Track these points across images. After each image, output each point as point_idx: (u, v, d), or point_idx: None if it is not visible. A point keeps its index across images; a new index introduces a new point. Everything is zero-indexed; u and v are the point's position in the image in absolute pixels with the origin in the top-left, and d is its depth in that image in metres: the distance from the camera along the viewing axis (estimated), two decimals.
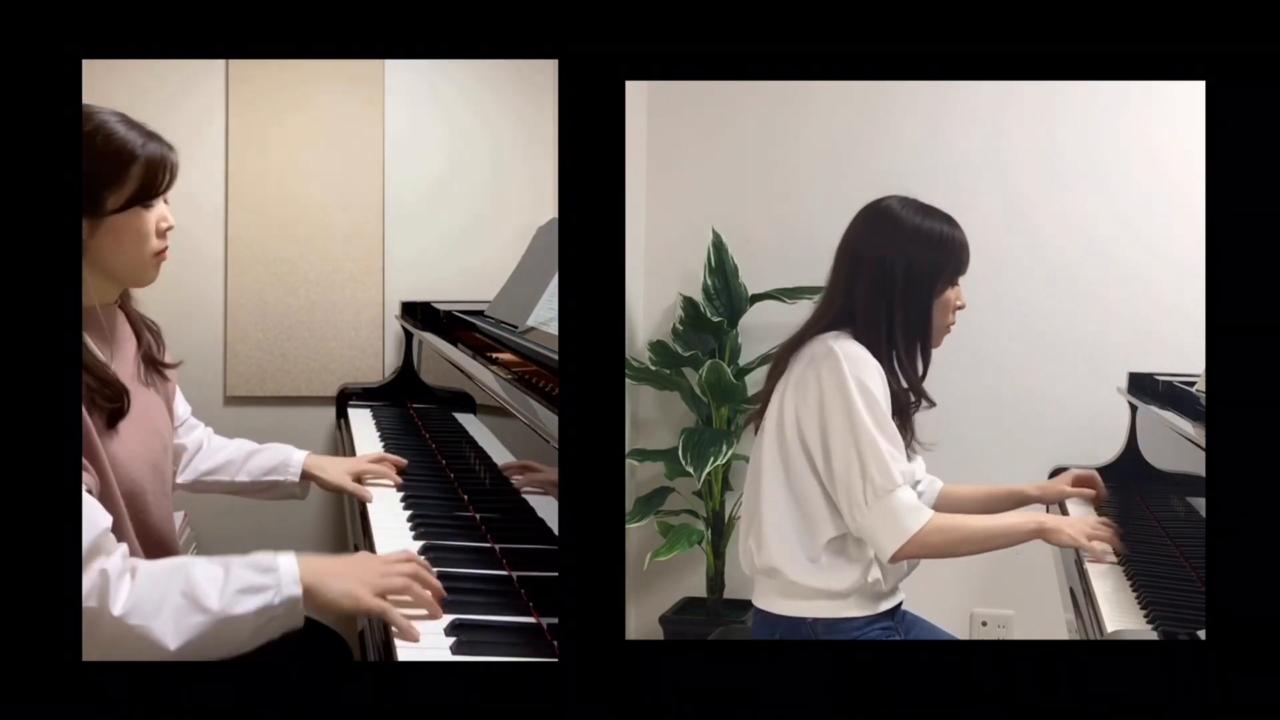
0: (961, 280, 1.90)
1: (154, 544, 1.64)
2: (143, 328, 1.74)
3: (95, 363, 1.56)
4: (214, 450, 2.07)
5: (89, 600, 1.35)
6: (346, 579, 1.49)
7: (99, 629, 1.36)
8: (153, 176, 1.58)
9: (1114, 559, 1.93)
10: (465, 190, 3.45)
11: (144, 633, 1.37)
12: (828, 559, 1.81)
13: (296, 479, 2.08)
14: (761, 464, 1.87)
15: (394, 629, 1.47)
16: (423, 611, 1.52)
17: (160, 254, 1.62)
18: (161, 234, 1.62)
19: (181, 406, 1.97)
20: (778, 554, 1.83)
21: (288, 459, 2.09)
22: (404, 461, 2.27)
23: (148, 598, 1.38)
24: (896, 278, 1.83)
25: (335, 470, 2.13)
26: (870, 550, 1.81)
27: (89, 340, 1.57)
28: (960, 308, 1.90)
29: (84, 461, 1.47)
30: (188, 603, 1.39)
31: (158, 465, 1.67)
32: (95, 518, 1.41)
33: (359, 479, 2.16)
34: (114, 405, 1.56)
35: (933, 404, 1.90)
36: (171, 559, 1.50)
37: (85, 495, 1.42)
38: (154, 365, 1.75)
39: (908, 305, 1.84)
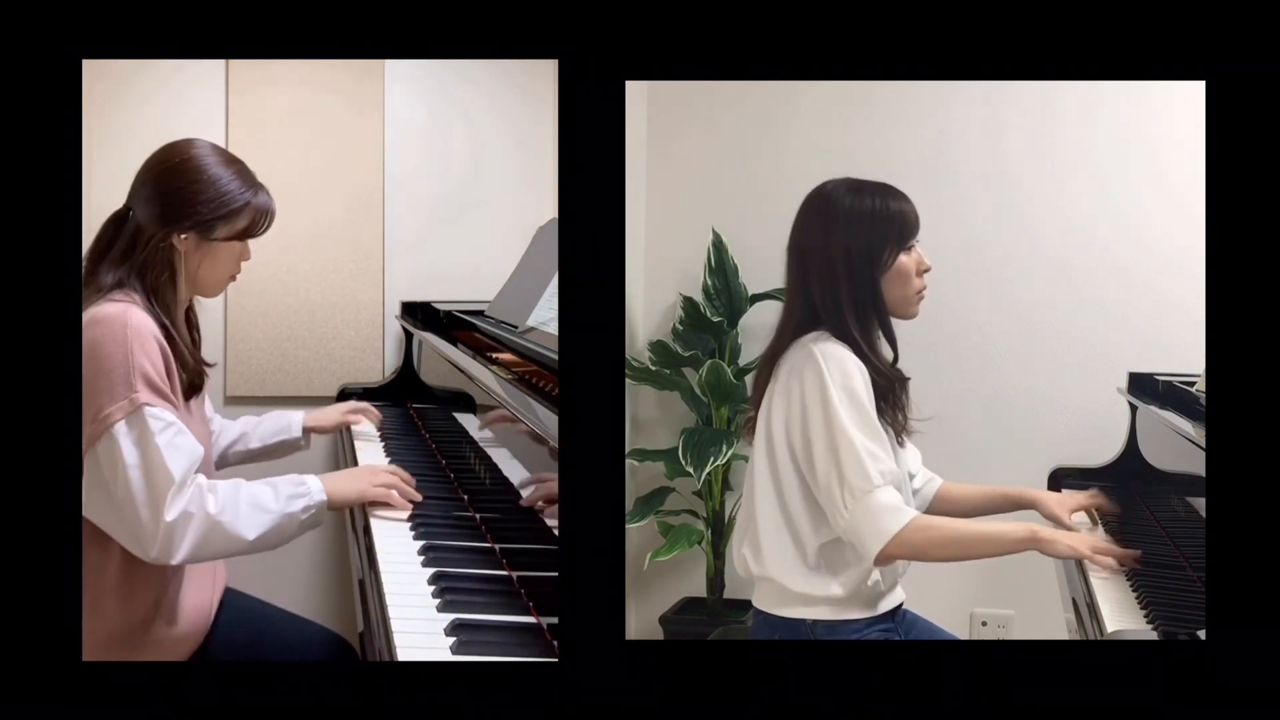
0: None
1: None
2: (196, 330, 2.01)
3: (186, 343, 1.87)
4: (228, 429, 2.36)
5: (189, 507, 1.71)
6: (353, 480, 1.99)
7: (195, 529, 1.71)
8: (259, 220, 1.93)
9: (1120, 569, 1.87)
10: (465, 190, 3.45)
11: (231, 527, 1.74)
12: (824, 565, 1.80)
13: (299, 435, 2.43)
14: (754, 473, 1.85)
15: (390, 506, 1.99)
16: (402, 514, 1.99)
17: (233, 277, 1.97)
18: (239, 262, 1.96)
19: (207, 402, 2.17)
20: (773, 564, 1.81)
21: (289, 421, 2.43)
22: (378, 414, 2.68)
23: (228, 502, 1.76)
24: (837, 264, 1.81)
25: (328, 416, 2.54)
26: None
27: (176, 330, 1.85)
28: (925, 270, 1.86)
29: (174, 404, 1.77)
30: (253, 507, 1.78)
31: (207, 446, 1.92)
32: (194, 445, 1.76)
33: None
34: (196, 381, 1.88)
35: (906, 379, 1.86)
36: (225, 480, 1.82)
37: (180, 426, 1.74)
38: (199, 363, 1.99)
39: (854, 289, 1.81)
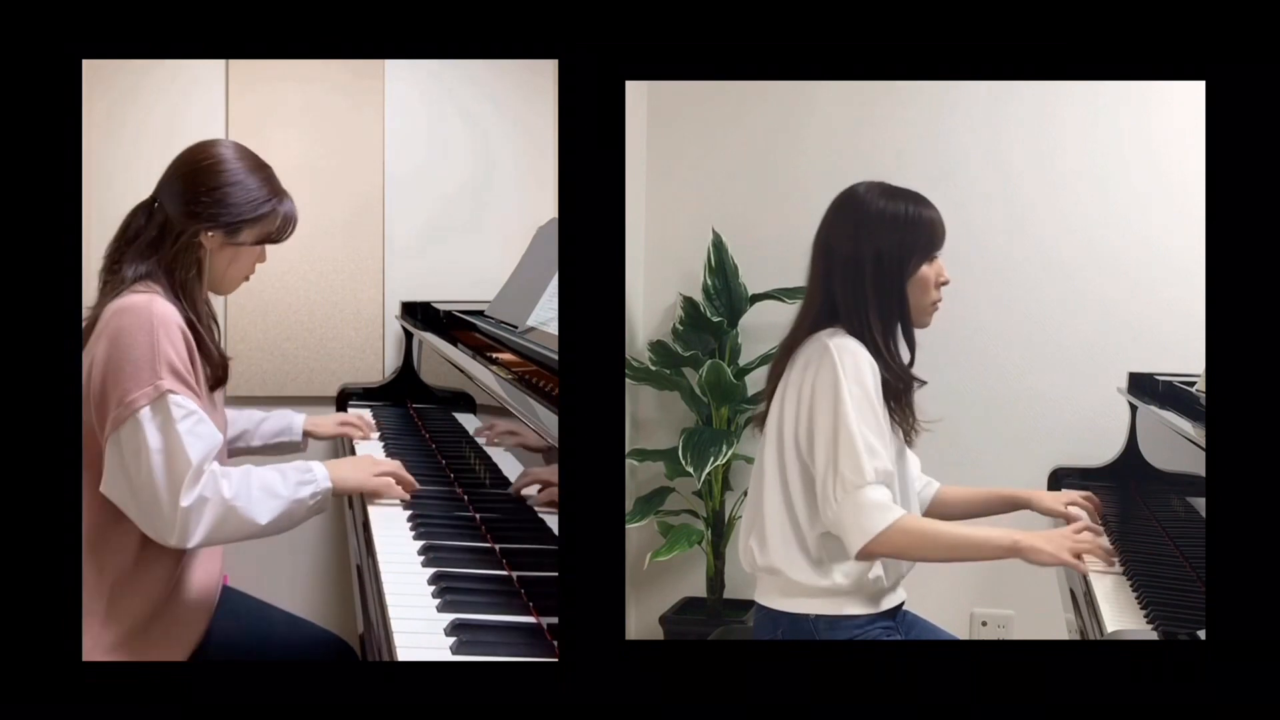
0: (943, 256, 1.87)
1: None
2: (216, 323, 2.04)
3: (211, 337, 1.93)
4: (231, 422, 2.35)
5: (204, 492, 1.76)
6: (354, 469, 2.03)
7: (211, 513, 1.76)
8: (283, 227, 2.00)
9: (1107, 565, 1.90)
10: (465, 190, 3.44)
11: (245, 512, 1.79)
12: (828, 557, 1.80)
13: (300, 438, 2.47)
14: (764, 465, 1.87)
15: (390, 498, 2.05)
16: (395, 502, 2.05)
17: (248, 278, 2.03)
18: (256, 264, 2.03)
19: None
20: (779, 555, 1.82)
21: (290, 423, 2.46)
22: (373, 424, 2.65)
23: (241, 487, 1.80)
24: (865, 265, 1.83)
25: (327, 424, 2.56)
26: None
27: (201, 322, 1.91)
28: (944, 283, 1.88)
29: (198, 394, 1.82)
30: (265, 492, 1.83)
31: (224, 434, 1.98)
32: (214, 434, 1.82)
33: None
34: (220, 374, 1.94)
35: (923, 383, 1.88)
36: (237, 467, 1.86)
37: (201, 414, 1.79)
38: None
39: (880, 291, 1.83)
